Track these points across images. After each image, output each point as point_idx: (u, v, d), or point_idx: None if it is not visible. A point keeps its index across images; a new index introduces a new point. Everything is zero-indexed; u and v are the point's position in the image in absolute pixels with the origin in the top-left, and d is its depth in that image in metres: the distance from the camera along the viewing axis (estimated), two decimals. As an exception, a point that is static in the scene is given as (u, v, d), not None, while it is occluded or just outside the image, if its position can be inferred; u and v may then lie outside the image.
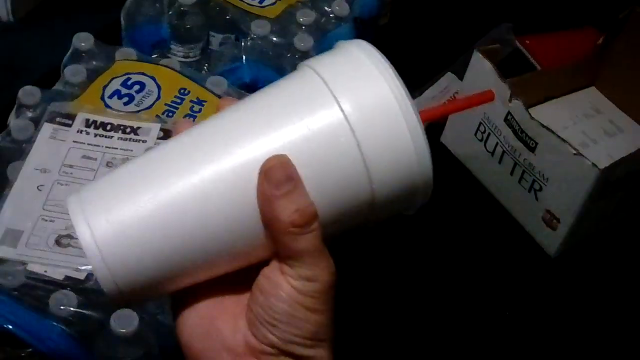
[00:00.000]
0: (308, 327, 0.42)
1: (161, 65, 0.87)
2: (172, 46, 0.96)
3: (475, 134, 0.98)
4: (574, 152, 0.86)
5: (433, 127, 1.04)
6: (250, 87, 0.91)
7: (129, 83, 0.84)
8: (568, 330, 0.88)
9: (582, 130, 1.05)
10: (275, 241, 0.41)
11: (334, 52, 0.44)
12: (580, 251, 0.94)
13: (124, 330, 0.65)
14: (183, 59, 0.95)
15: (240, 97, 0.86)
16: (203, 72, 0.96)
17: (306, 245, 0.41)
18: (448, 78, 1.08)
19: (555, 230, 0.91)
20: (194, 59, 0.96)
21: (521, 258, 0.94)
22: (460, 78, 1.03)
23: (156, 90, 0.84)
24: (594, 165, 0.84)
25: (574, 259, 0.94)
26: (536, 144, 0.89)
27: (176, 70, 0.87)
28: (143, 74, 0.85)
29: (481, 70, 0.93)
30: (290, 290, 0.41)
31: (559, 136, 0.87)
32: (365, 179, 0.41)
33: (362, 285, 0.85)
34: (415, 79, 1.08)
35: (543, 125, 0.88)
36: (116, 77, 0.84)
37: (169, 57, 0.94)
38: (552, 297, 0.92)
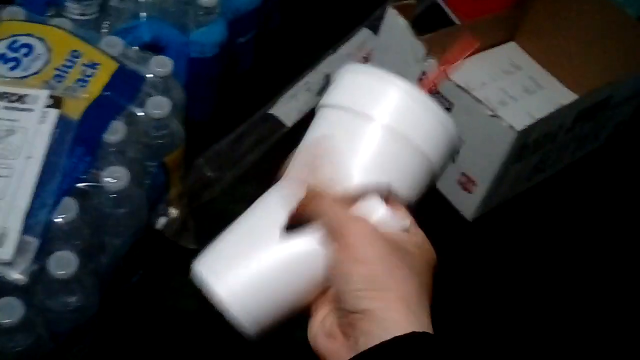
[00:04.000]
0: (356, 278, 0.46)
1: (51, 25, 0.80)
2: (67, 3, 0.89)
3: (390, 94, 0.94)
4: (490, 113, 0.83)
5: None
6: (150, 47, 0.85)
7: (16, 46, 0.77)
8: (484, 293, 0.87)
9: (502, 88, 1.02)
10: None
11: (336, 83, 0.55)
12: (497, 214, 0.93)
13: (8, 321, 0.60)
14: (80, 17, 0.88)
15: (138, 57, 0.80)
16: (103, 31, 0.89)
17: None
18: (364, 34, 1.04)
19: (472, 194, 0.89)
20: (91, 16, 0.90)
21: (437, 222, 0.91)
22: (377, 33, 0.99)
23: (46, 53, 0.77)
24: (511, 127, 0.81)
25: (491, 222, 0.92)
26: (452, 104, 0.86)
27: (68, 31, 0.80)
28: (31, 35, 0.78)
29: (395, 27, 0.90)
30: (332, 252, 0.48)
31: (474, 97, 0.84)
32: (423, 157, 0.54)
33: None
34: (329, 36, 1.04)
35: (458, 86, 0.85)
36: (1, 40, 0.77)
37: (64, 17, 0.87)
38: (470, 261, 0.90)
